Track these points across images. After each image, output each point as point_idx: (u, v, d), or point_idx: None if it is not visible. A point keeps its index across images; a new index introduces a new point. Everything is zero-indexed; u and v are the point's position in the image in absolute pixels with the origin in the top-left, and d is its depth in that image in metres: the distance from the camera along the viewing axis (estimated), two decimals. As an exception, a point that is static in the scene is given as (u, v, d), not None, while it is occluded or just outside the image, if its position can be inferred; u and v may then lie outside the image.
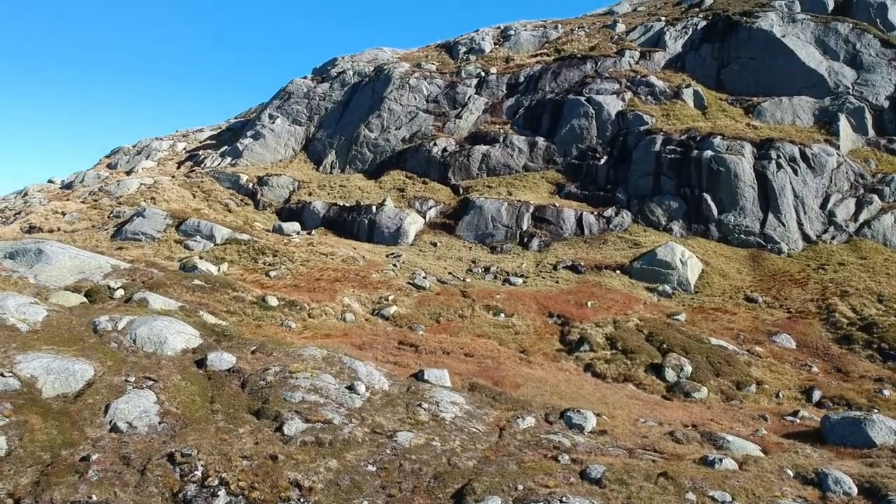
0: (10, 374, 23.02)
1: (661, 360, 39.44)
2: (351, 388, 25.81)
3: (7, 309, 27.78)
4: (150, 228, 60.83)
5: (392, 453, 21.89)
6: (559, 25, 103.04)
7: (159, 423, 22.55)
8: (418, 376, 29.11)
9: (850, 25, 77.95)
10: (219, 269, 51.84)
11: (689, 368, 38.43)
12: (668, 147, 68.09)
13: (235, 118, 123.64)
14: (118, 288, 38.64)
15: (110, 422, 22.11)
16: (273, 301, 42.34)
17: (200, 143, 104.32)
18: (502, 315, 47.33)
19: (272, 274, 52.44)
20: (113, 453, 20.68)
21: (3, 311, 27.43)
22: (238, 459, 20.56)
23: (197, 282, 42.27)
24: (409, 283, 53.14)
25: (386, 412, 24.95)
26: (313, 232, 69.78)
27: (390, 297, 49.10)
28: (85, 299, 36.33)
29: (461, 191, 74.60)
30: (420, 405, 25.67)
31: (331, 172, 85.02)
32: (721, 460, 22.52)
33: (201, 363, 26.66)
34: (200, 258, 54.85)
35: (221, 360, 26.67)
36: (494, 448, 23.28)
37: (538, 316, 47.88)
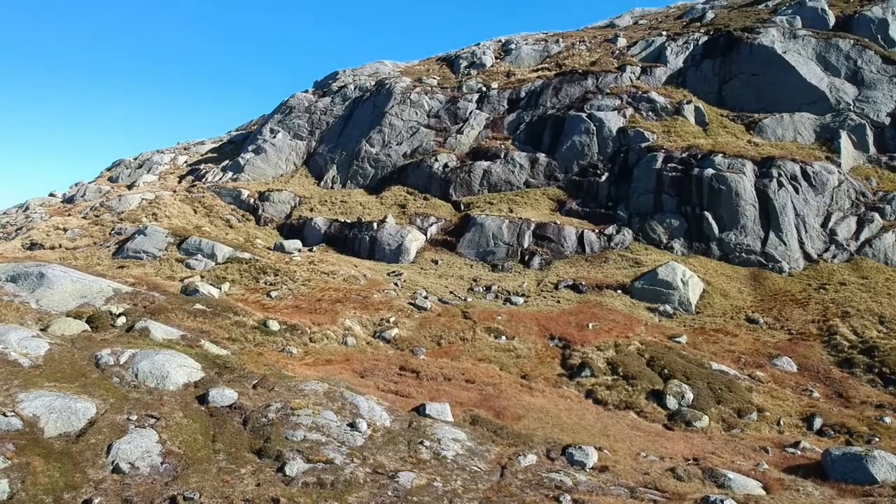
0: (13, 414, 23.06)
1: (663, 387, 39.44)
2: (352, 426, 25.82)
3: (9, 343, 27.82)
4: (151, 247, 60.82)
5: (394, 495, 21.90)
6: (560, 39, 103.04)
7: (161, 463, 22.58)
8: (420, 410, 29.11)
9: (852, 42, 77.90)
10: (220, 290, 51.85)
11: (690, 396, 38.42)
12: (669, 165, 68.10)
13: (237, 130, 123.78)
14: (120, 314, 38.73)
15: (112, 462, 22.13)
16: (274, 325, 42.39)
17: (202, 156, 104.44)
18: (503, 338, 47.38)
19: (273, 294, 52.47)
20: (115, 496, 20.72)
21: (5, 346, 27.47)
22: (240, 503, 20.58)
23: (198, 306, 42.31)
24: (410, 303, 53.20)
25: (387, 451, 24.96)
26: (314, 249, 69.81)
27: (391, 319, 49.15)
28: (87, 327, 36.34)
29: (462, 207, 74.62)
30: (422, 443, 25.68)
31: (332, 187, 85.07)
32: (723, 501, 22.53)
33: (203, 399, 26.67)
34: (202, 278, 54.92)
35: (223, 395, 26.69)
36: (496, 488, 23.28)
37: (539, 338, 47.90)
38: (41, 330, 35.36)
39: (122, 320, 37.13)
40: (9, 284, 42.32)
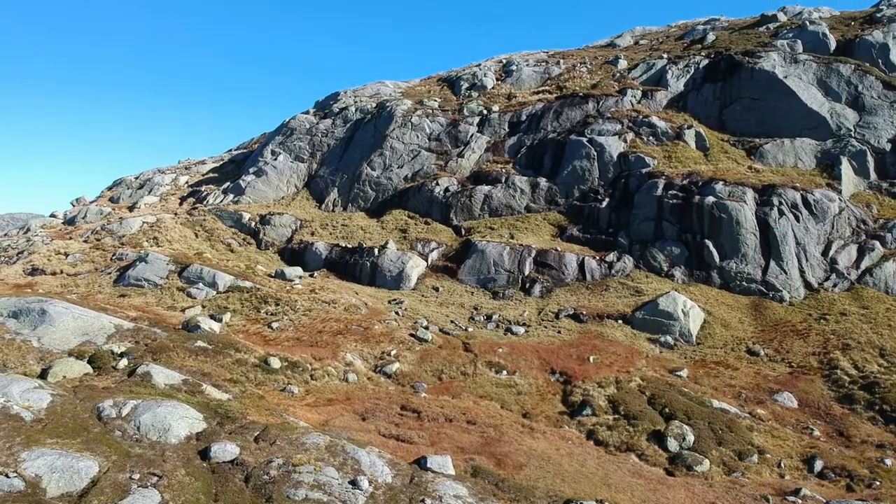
0: (15, 475, 23.05)
1: (664, 428, 39.41)
2: (354, 483, 25.81)
3: (12, 396, 27.83)
4: (152, 275, 60.90)
5: (395, 560, 21.89)
6: (561, 60, 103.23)
7: (163, 526, 22.55)
8: (421, 464, 29.07)
9: (852, 67, 78.14)
10: (222, 322, 51.92)
11: (691, 438, 38.40)
12: (669, 192, 68.21)
13: (237, 148, 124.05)
14: (121, 354, 38.80)
15: (114, 526, 22.11)
16: (275, 363, 42.38)
17: (203, 175, 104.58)
18: (504, 372, 47.42)
19: (275, 325, 52.52)
20: (117, 563, 20.71)
21: (7, 399, 27.47)
22: (242, 571, 20.58)
23: (200, 343, 42.30)
24: (411, 334, 53.27)
25: (389, 510, 24.95)
26: (315, 274, 69.85)
27: (392, 352, 49.24)
28: (89, 368, 36.43)
29: (463, 232, 74.74)
30: (423, 501, 25.65)
31: (333, 210, 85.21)
32: (724, 566, 22.52)
33: (205, 454, 26.65)
34: (203, 308, 55.12)
35: (225, 451, 26.67)
36: (497, 550, 23.27)
37: (540, 373, 47.93)
38: (43, 372, 35.49)
39: (123, 363, 37.12)
40: (10, 321, 42.37)
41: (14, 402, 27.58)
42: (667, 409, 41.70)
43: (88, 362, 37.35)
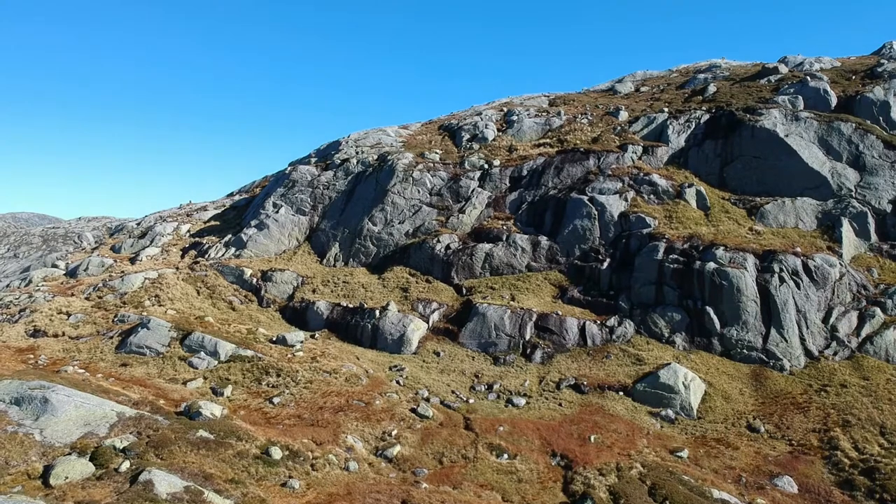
0: None
1: (665, 526, 39.48)
2: None
3: (14, 524, 27.96)
4: (154, 342, 61.04)
5: None
6: (561, 110, 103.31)
7: None
8: (422, 590, 29.18)
9: (853, 126, 78.31)
10: (223, 395, 52.45)
11: (692, 538, 38.46)
12: (670, 256, 68.35)
13: (239, 192, 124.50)
14: (123, 450, 38.95)
15: None
16: (276, 453, 42.41)
17: (204, 223, 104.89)
18: (505, 456, 47.49)
19: (276, 401, 52.68)
20: None
21: (10, 529, 27.60)
22: None
23: (201, 433, 42.42)
24: (412, 409, 53.53)
25: None
26: (317, 335, 70.08)
27: (394, 432, 49.42)
28: (91, 466, 36.70)
29: (464, 291, 74.84)
30: None
31: (334, 265, 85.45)
32: None
33: (206, 586, 26.74)
34: (205, 379, 55.59)
35: (227, 584, 26.77)
36: None
37: (541, 456, 48.00)
38: (45, 471, 35.78)
39: (126, 465, 37.08)
40: (13, 409, 42.50)
41: (16, 530, 27.69)
42: (667, 502, 41.72)
43: (90, 459, 37.59)
